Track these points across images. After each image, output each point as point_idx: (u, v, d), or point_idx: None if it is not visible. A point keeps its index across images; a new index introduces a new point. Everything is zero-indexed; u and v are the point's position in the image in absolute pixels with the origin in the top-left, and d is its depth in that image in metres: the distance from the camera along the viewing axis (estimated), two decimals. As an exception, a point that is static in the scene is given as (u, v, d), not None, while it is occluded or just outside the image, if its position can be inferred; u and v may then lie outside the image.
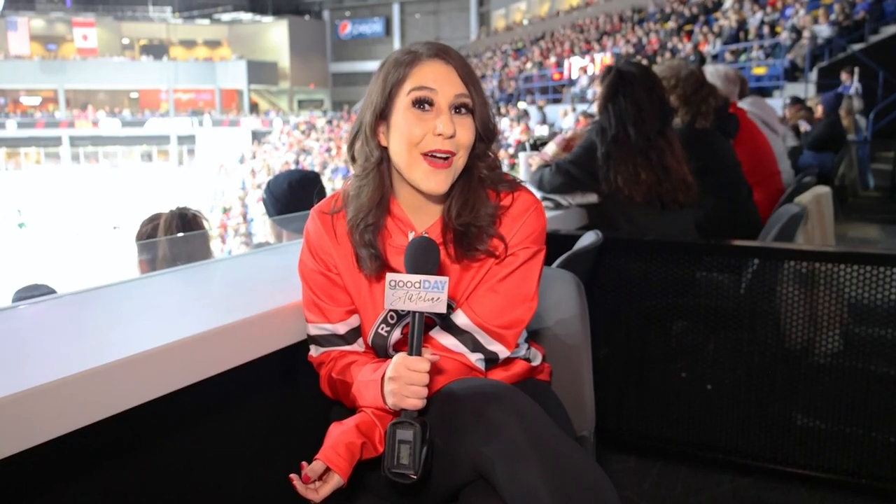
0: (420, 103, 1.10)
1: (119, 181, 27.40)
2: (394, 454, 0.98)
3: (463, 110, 1.12)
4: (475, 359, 1.16)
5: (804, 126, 6.43)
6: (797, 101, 7.17)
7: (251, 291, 1.38)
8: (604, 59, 16.31)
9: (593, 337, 1.44)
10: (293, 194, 2.17)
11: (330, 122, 25.73)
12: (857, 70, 9.56)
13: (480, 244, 1.15)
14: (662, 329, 2.21)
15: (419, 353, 1.03)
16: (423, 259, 1.04)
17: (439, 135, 1.08)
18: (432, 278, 1.02)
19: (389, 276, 1.03)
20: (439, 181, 1.10)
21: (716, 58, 13.23)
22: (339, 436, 1.06)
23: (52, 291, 1.64)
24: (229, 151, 28.56)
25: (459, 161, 1.12)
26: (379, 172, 1.16)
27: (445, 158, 1.10)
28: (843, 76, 9.69)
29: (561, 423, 1.18)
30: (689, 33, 15.51)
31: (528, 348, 1.32)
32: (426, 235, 1.14)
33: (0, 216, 21.51)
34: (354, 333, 1.22)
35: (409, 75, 1.11)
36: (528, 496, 0.93)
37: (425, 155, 1.10)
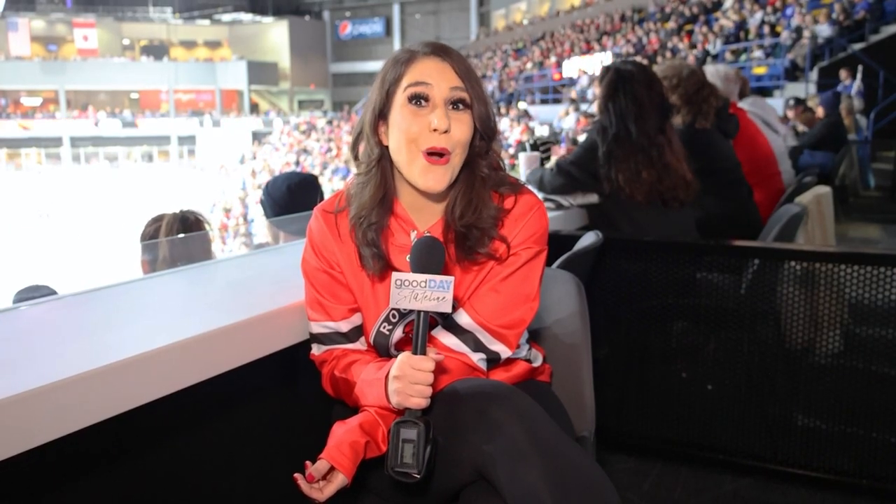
0: (416, 99, 1.10)
1: (122, 180, 27.62)
2: (397, 453, 0.98)
3: (460, 106, 1.12)
4: (477, 359, 1.16)
5: (801, 128, 6.43)
6: (800, 103, 7.16)
7: (252, 292, 1.38)
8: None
9: (593, 337, 1.44)
10: (292, 197, 2.18)
11: (330, 122, 25.74)
12: (860, 69, 9.55)
13: (482, 247, 1.15)
14: (663, 329, 2.21)
15: (424, 353, 1.03)
16: (429, 258, 1.04)
17: (434, 130, 1.09)
18: (438, 278, 1.02)
19: (395, 275, 1.03)
20: (437, 178, 1.11)
21: (716, 58, 13.24)
22: (343, 435, 1.06)
23: (53, 292, 1.65)
24: (229, 152, 28.59)
25: (457, 158, 1.12)
26: (380, 171, 1.16)
27: (441, 156, 1.10)
28: (843, 75, 9.69)
29: (561, 423, 1.18)
30: (690, 33, 15.51)
31: (530, 349, 1.32)
32: (431, 235, 1.14)
33: (22, 209, 22.17)
34: (357, 332, 1.22)
35: (405, 72, 1.12)
36: (528, 496, 0.93)
37: (422, 153, 1.10)
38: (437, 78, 1.11)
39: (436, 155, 1.10)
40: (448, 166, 1.11)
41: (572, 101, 15.34)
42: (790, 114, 6.97)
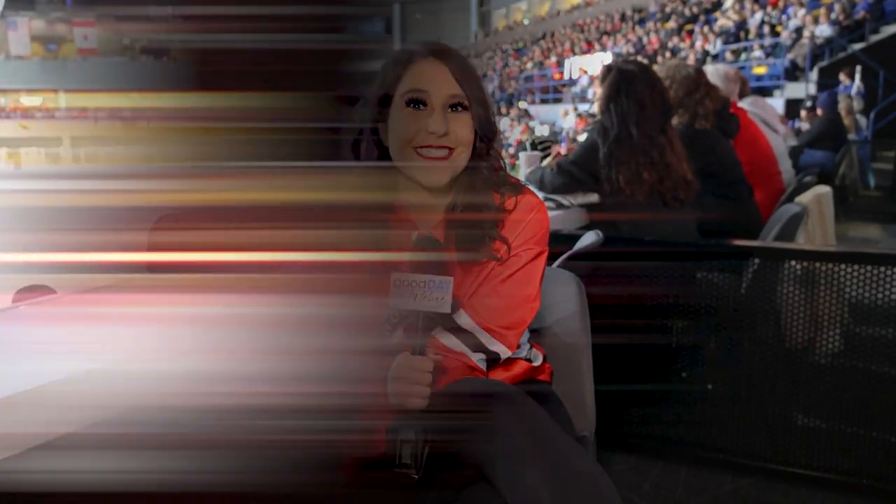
0: (414, 103, 1.11)
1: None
2: (396, 453, 0.98)
3: (459, 108, 1.12)
4: (477, 359, 1.16)
5: (805, 126, 6.43)
6: (814, 108, 7.12)
7: (252, 292, 1.37)
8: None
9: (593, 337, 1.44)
10: None
11: (330, 122, 25.73)
12: (859, 69, 9.54)
13: (482, 248, 1.15)
14: (663, 329, 2.21)
15: (423, 353, 1.03)
16: (428, 259, 1.04)
17: (432, 133, 1.09)
18: (437, 278, 1.02)
19: (394, 275, 1.03)
20: (439, 173, 1.11)
21: (716, 58, 13.25)
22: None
23: (53, 292, 1.64)
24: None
25: (461, 157, 1.12)
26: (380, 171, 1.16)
27: (443, 156, 1.10)
28: (842, 77, 9.69)
29: (562, 423, 1.17)
30: (690, 33, 15.52)
31: (530, 349, 1.32)
32: (430, 235, 1.14)
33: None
34: (357, 332, 1.22)
35: (403, 75, 1.12)
36: (528, 496, 0.93)
37: (419, 151, 1.10)
38: (435, 84, 1.10)
39: (433, 150, 1.10)
40: (449, 163, 1.11)
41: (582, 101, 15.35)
42: (803, 114, 6.93)
